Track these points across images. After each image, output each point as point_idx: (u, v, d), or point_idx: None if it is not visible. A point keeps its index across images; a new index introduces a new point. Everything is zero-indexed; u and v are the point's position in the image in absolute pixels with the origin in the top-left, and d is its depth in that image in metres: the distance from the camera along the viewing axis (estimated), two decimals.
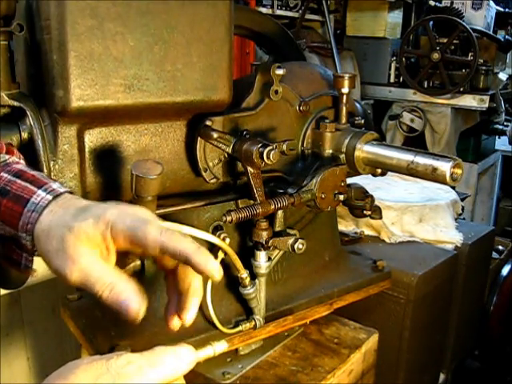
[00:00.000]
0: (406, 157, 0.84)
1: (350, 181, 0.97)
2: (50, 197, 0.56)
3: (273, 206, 0.83)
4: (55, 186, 0.58)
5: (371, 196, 1.01)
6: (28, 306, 1.52)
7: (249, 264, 0.88)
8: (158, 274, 0.91)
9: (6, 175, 0.58)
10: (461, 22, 2.84)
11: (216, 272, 0.53)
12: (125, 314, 0.51)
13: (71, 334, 0.97)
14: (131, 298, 0.51)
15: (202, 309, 0.90)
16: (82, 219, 0.52)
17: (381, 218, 1.07)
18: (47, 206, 0.55)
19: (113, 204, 0.55)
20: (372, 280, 1.12)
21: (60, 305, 1.02)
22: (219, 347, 0.54)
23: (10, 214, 0.56)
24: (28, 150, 0.72)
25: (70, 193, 0.59)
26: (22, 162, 0.64)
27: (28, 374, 1.56)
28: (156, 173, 0.62)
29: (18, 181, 0.58)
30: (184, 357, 0.48)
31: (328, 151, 0.95)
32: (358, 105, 1.10)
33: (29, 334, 1.54)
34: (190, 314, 0.56)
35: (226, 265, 0.92)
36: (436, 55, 2.85)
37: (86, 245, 0.52)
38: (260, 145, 0.78)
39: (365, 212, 1.01)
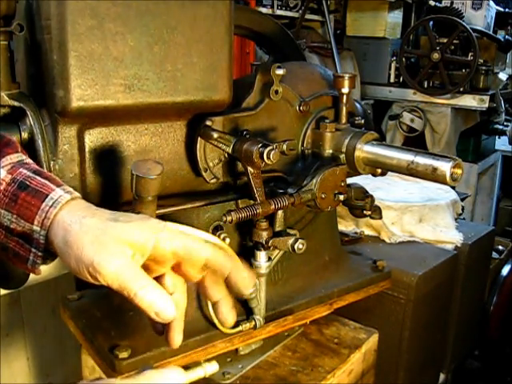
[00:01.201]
0: (406, 157, 0.84)
1: (350, 181, 0.97)
2: (68, 196, 0.57)
3: (273, 206, 0.83)
4: (71, 189, 0.59)
5: (371, 196, 1.01)
6: (28, 305, 1.52)
7: (249, 264, 0.88)
8: None
9: (25, 171, 0.59)
10: (461, 22, 2.84)
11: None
12: (155, 317, 0.53)
13: (71, 334, 0.97)
14: (164, 305, 0.53)
15: (202, 309, 0.90)
16: (127, 220, 0.55)
17: (381, 217, 1.07)
18: (66, 204, 0.56)
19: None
20: (372, 280, 1.12)
21: (60, 305, 1.02)
22: (210, 368, 0.55)
23: (27, 208, 0.56)
24: (28, 150, 0.72)
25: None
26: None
27: (28, 374, 1.56)
28: (156, 173, 0.62)
29: (38, 177, 0.59)
30: (173, 380, 0.49)
31: (328, 151, 0.95)
32: (358, 105, 1.10)
33: (29, 334, 1.54)
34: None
35: None
36: (436, 55, 2.85)
37: (125, 244, 0.53)
38: (260, 145, 0.78)
39: (365, 212, 1.01)
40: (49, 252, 0.58)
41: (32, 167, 0.61)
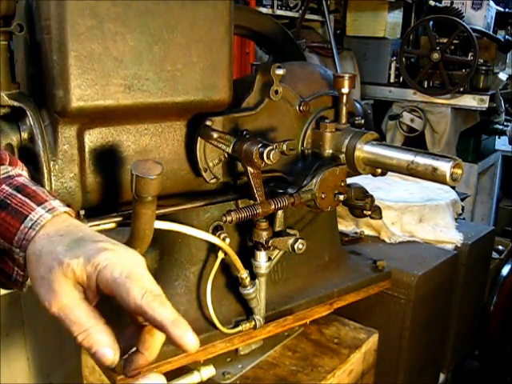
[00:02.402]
0: (405, 157, 0.84)
1: (350, 181, 0.97)
2: (48, 215, 0.55)
3: (273, 206, 0.83)
4: (55, 203, 0.57)
5: (371, 196, 1.01)
6: (28, 306, 1.52)
7: (249, 264, 0.88)
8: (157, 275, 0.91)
9: (7, 188, 0.58)
10: (461, 22, 2.84)
11: (192, 346, 0.49)
12: (98, 361, 0.50)
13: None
14: (104, 350, 0.50)
15: (202, 309, 0.90)
16: (74, 256, 0.51)
17: (381, 217, 1.07)
18: (44, 226, 0.54)
19: (109, 244, 0.53)
20: (372, 280, 1.12)
21: None
22: (206, 372, 0.54)
23: (6, 228, 0.55)
24: (28, 150, 0.72)
25: (68, 213, 0.58)
26: (25, 173, 0.63)
27: (28, 373, 1.56)
28: (156, 173, 0.62)
29: (19, 195, 0.57)
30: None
31: (328, 151, 0.95)
32: (358, 105, 1.10)
33: (29, 334, 1.54)
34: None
35: (225, 265, 0.92)
36: (436, 55, 2.85)
37: (71, 283, 0.51)
38: (260, 145, 0.78)
39: (365, 212, 1.01)
40: None
41: (15, 182, 0.59)
